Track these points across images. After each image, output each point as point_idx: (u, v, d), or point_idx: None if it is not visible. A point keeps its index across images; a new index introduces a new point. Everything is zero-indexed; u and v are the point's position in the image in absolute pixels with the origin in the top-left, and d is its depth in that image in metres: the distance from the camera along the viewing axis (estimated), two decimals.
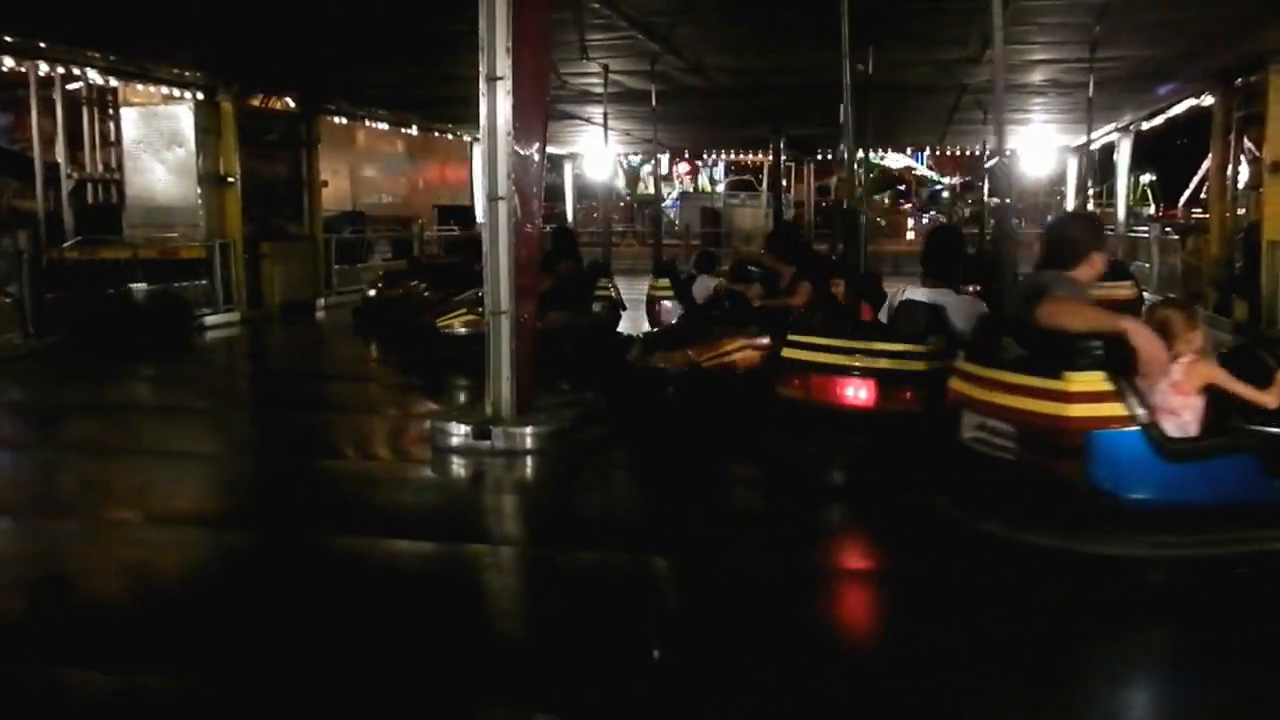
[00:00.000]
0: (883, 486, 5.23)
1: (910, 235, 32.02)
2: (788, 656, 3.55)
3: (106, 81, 14.32)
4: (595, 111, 15.09)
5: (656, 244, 13.96)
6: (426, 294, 11.56)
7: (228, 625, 3.83)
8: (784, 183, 23.74)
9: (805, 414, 5.59)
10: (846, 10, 6.57)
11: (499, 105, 6.34)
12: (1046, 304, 4.09)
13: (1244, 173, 13.45)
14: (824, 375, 5.49)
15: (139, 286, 12.25)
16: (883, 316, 6.07)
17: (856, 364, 5.41)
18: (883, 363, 5.38)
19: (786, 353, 5.80)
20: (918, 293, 5.69)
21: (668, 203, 35.44)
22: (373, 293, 12.66)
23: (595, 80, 12.34)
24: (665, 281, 10.56)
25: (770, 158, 24.48)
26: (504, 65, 6.30)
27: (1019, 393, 4.04)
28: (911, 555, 4.46)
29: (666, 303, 10.31)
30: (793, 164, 25.61)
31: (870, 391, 5.35)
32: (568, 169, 24.63)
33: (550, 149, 24.59)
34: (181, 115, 14.03)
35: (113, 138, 16.38)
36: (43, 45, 11.78)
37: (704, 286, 9.56)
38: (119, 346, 11.10)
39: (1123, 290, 10.63)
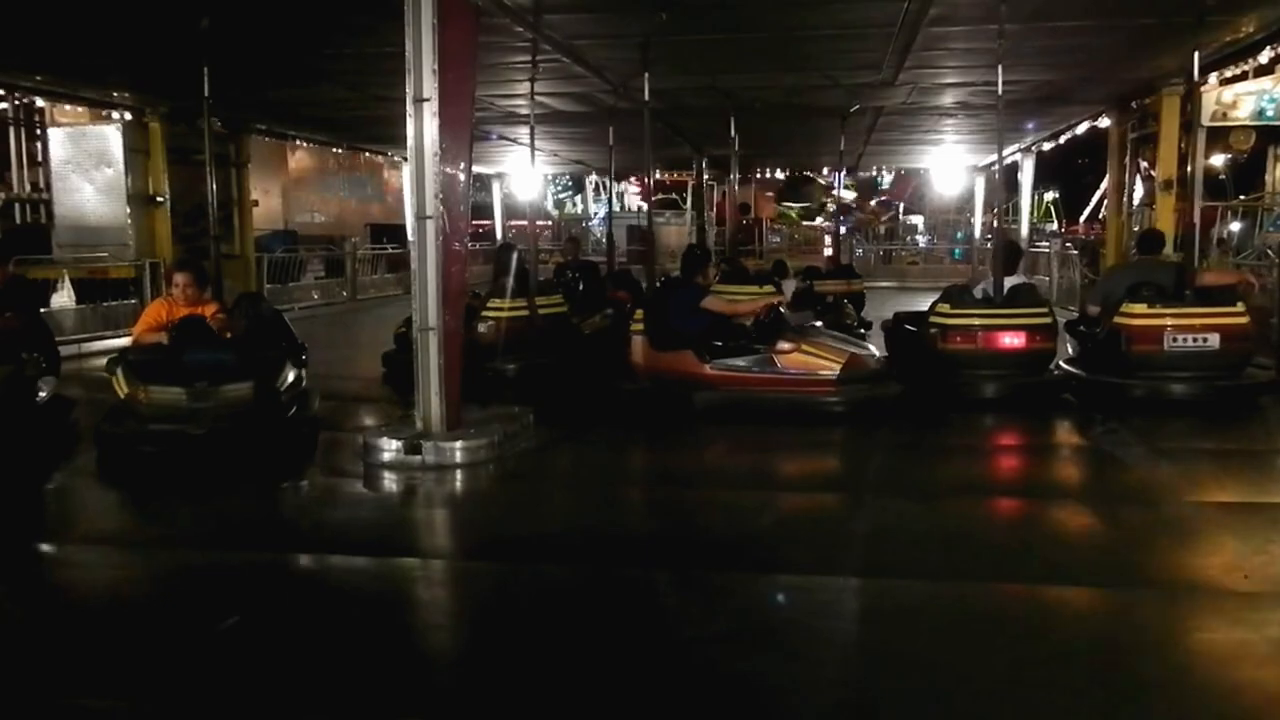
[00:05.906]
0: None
1: (828, 250, 32.58)
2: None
3: (33, 102, 14.33)
4: (522, 132, 15.44)
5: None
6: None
7: (158, 645, 3.80)
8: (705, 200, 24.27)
9: (970, 359, 8.50)
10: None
11: (425, 126, 6.40)
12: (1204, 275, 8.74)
13: (1139, 190, 14.11)
14: (990, 331, 8.47)
15: None
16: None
17: (1012, 323, 8.46)
18: (1028, 320, 8.46)
19: (944, 320, 8.60)
20: (1018, 279, 9.09)
21: (594, 221, 35.80)
22: None
23: (521, 102, 12.64)
24: None
25: (694, 177, 25.02)
26: (430, 87, 6.33)
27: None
28: None
29: None
30: (714, 183, 26.15)
31: (1023, 339, 8.43)
32: (496, 188, 24.95)
33: (478, 168, 24.72)
34: (110, 135, 14.06)
35: (40, 157, 16.34)
36: None
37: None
38: None
39: (855, 284, 14.41)
